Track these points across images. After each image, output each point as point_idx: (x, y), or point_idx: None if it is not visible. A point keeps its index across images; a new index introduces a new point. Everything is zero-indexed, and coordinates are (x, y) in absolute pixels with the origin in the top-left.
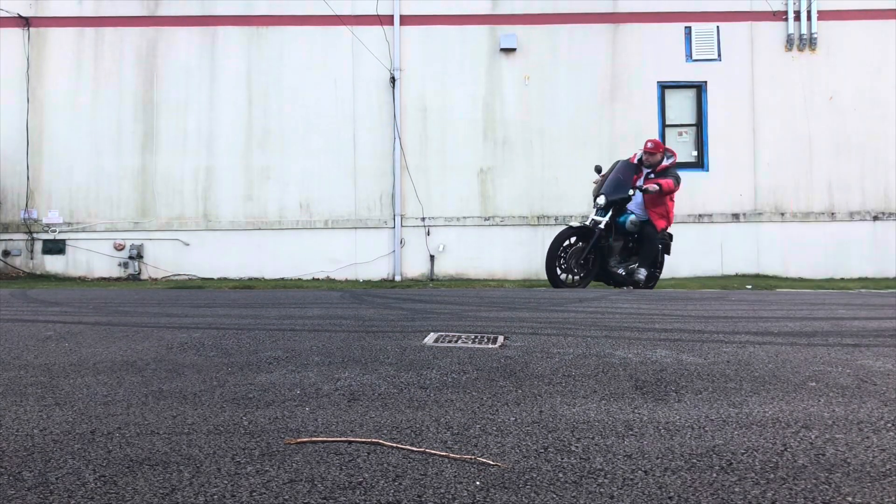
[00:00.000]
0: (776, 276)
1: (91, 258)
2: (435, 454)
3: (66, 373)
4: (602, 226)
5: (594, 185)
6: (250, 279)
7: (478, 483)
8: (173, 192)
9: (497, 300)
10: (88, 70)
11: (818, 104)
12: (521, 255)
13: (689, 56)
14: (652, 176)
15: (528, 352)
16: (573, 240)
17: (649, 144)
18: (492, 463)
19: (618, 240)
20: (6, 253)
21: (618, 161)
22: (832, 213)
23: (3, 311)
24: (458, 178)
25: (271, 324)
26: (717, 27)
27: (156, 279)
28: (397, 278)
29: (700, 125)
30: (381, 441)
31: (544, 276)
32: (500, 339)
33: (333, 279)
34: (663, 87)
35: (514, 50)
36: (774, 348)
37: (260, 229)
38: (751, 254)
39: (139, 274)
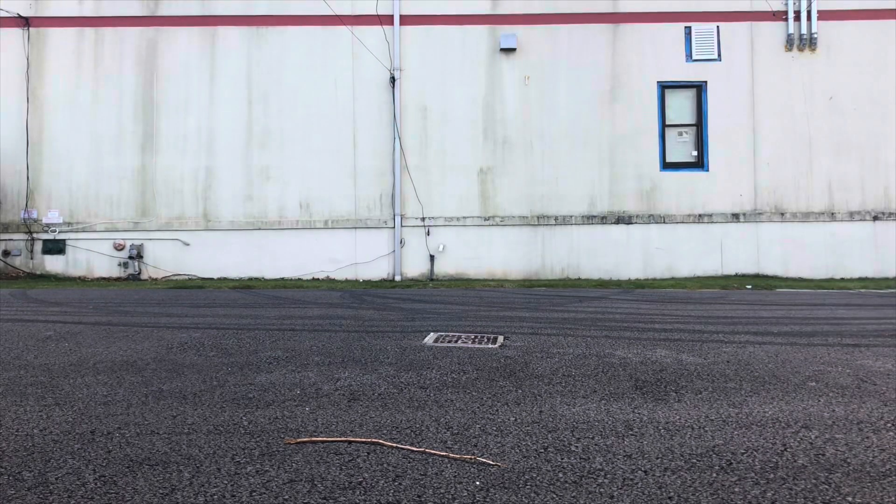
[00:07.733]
0: (776, 276)
1: (91, 258)
2: (435, 454)
3: (66, 373)
4: None
5: None
6: (250, 279)
7: (478, 483)
8: (173, 192)
9: (497, 300)
10: (88, 70)
11: (818, 104)
12: (520, 255)
13: (689, 56)
14: None
15: (528, 352)
16: None
17: None
18: (492, 463)
19: None
20: (6, 253)
21: None
22: (832, 213)
23: (3, 311)
24: (457, 178)
25: (271, 324)
26: (717, 27)
27: (156, 279)
28: (397, 278)
29: (700, 125)
30: (381, 441)
31: (545, 275)
32: (500, 339)
33: (333, 279)
34: (663, 87)
35: (514, 50)
36: (774, 348)
37: (260, 229)
38: (751, 254)
39: (139, 274)
